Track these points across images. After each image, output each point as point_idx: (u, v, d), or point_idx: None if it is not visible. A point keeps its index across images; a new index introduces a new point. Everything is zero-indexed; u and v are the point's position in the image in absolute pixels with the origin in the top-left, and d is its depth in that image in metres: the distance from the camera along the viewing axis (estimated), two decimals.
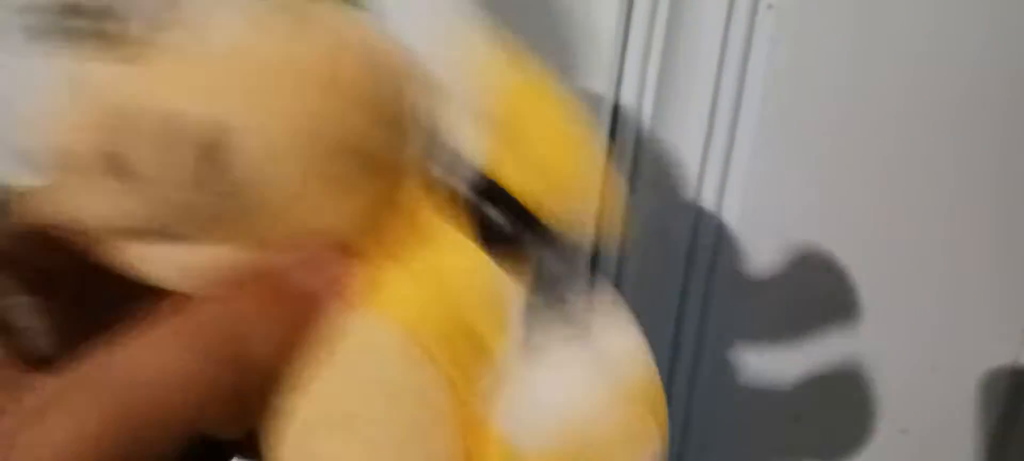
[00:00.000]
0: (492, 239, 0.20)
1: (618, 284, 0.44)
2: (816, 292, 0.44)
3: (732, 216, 0.43)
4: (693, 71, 0.41)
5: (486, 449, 0.20)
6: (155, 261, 0.19)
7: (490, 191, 0.19)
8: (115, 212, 0.17)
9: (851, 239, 0.43)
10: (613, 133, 0.42)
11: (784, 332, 0.45)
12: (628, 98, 0.41)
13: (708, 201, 0.43)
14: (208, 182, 0.17)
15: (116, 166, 0.17)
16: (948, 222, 0.43)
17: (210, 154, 0.17)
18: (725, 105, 0.41)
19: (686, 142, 0.42)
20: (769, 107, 0.41)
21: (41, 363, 0.18)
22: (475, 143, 0.20)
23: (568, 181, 0.20)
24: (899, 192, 0.42)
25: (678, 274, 0.44)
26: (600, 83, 0.40)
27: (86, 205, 0.17)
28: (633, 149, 0.42)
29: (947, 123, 0.41)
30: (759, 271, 0.44)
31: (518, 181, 0.19)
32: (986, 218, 0.43)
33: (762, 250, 0.44)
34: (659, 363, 0.24)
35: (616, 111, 0.42)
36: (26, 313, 0.18)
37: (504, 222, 0.20)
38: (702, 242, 0.44)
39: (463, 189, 0.20)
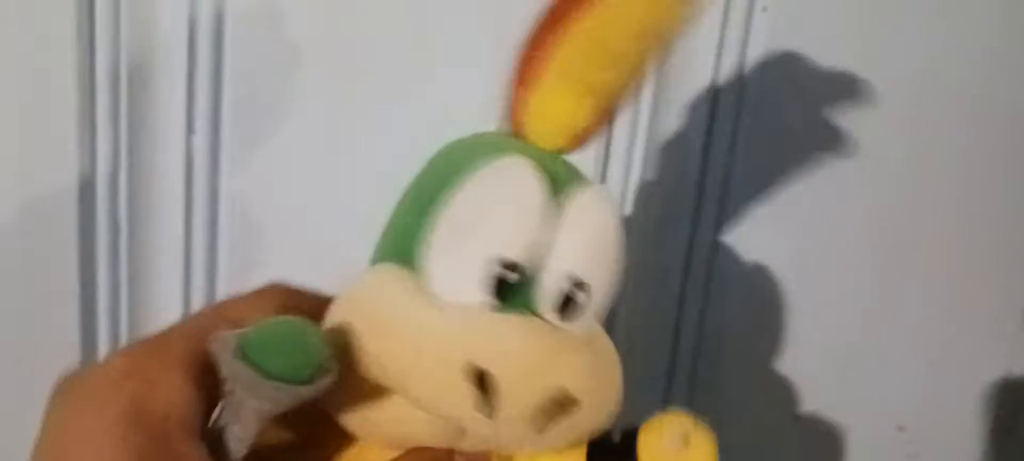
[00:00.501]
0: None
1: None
2: (814, 292, 0.44)
3: (730, 218, 0.43)
4: (690, 72, 0.41)
5: None
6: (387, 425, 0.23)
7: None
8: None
9: (851, 237, 0.43)
10: (607, 142, 0.42)
11: (780, 331, 0.45)
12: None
13: (707, 205, 0.43)
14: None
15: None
16: (948, 219, 0.43)
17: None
18: (725, 107, 0.41)
19: (684, 143, 0.42)
20: (765, 107, 0.41)
21: None
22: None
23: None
24: (898, 190, 0.43)
25: (676, 277, 0.44)
26: None
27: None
28: (627, 153, 0.42)
29: (946, 124, 0.42)
30: (756, 272, 0.44)
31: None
32: (986, 215, 0.44)
33: (760, 252, 0.44)
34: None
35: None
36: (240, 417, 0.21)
37: None
38: (700, 242, 0.44)
39: None
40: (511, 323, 0.22)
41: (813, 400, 0.47)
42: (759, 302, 0.45)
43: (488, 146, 0.24)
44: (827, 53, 0.40)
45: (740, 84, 0.41)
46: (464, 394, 0.21)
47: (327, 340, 0.21)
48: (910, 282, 0.44)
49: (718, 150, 0.42)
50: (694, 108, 0.42)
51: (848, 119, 0.41)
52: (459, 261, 0.22)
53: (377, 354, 0.22)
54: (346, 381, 0.22)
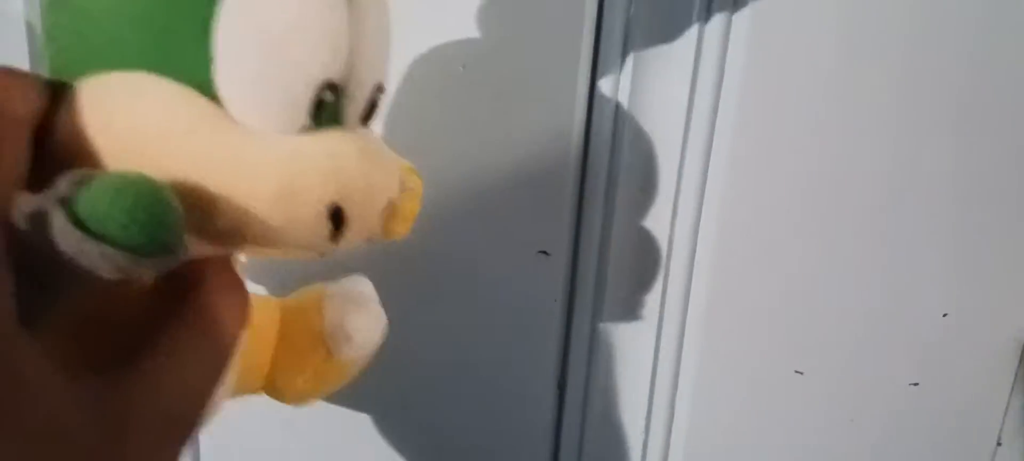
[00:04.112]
0: None
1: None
2: (821, 248, 0.44)
3: (723, 169, 0.43)
4: (669, 73, 0.42)
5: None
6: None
7: None
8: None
9: (860, 190, 0.43)
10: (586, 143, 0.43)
11: (789, 285, 0.45)
12: (603, 104, 0.42)
13: (692, 157, 0.44)
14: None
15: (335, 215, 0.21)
16: (959, 174, 0.43)
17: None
18: (709, 56, 0.42)
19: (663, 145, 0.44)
20: (747, 101, 0.42)
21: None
22: None
23: None
24: (909, 143, 0.42)
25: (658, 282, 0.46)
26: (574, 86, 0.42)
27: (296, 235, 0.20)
28: (610, 160, 0.43)
29: (943, 74, 0.41)
30: (764, 225, 0.44)
31: None
32: (991, 165, 0.43)
33: (766, 205, 0.44)
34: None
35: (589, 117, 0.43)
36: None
37: None
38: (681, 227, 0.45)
39: None
40: (349, 147, 0.21)
41: (824, 357, 0.47)
42: (766, 257, 0.45)
43: None
44: (809, 51, 0.41)
45: (719, 82, 0.42)
46: (322, 232, 0.20)
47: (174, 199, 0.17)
48: (923, 234, 0.44)
49: (704, 100, 0.42)
50: (673, 107, 0.43)
51: (843, 72, 0.41)
52: (277, 88, 0.19)
53: (225, 211, 0.19)
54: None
